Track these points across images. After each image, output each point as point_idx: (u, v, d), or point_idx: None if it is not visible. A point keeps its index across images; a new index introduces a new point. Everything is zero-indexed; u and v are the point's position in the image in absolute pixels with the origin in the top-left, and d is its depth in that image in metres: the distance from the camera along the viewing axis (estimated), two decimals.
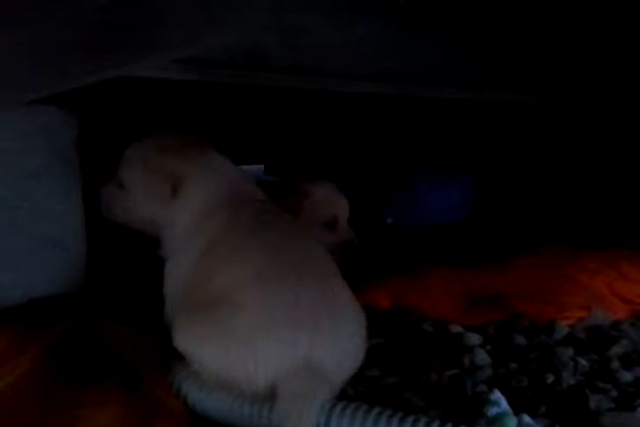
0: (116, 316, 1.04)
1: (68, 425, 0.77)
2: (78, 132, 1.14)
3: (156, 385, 0.88)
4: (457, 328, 1.39)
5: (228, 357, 0.87)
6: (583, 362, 1.23)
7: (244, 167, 1.90)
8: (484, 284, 1.58)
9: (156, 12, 0.59)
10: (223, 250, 1.02)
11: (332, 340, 0.91)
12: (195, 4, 0.57)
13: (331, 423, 0.79)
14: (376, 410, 0.79)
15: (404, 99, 1.62)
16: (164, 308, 1.06)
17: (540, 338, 1.35)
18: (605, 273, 1.67)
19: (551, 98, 1.71)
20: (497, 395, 1.03)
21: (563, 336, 1.37)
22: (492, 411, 0.98)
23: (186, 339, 0.94)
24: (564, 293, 1.55)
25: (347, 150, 2.24)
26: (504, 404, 1.01)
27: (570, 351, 1.28)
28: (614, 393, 1.11)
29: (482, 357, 1.25)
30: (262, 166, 2.46)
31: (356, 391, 1.07)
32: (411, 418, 0.78)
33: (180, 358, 0.95)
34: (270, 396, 0.84)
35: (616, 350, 1.30)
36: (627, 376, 1.19)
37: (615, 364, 1.24)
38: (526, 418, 0.97)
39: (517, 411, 1.00)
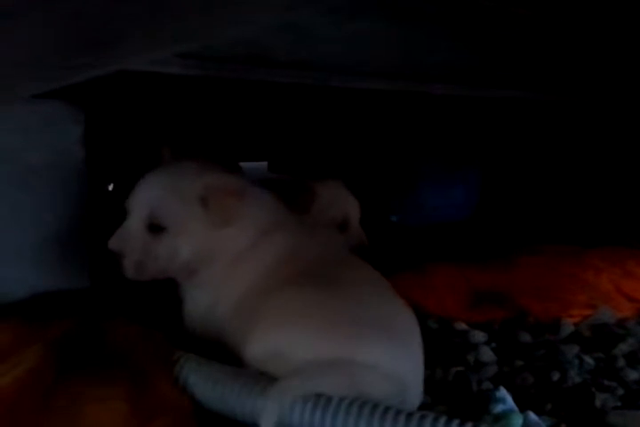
0: (120, 311, 1.04)
1: (72, 421, 0.77)
2: (84, 127, 1.13)
3: (160, 381, 0.87)
4: (462, 326, 1.38)
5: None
6: (589, 360, 1.23)
7: (248, 164, 1.90)
8: (489, 281, 1.58)
9: (160, 6, 0.58)
10: (285, 272, 1.00)
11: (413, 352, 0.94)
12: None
13: (337, 421, 0.79)
14: (382, 407, 0.79)
15: (409, 96, 1.62)
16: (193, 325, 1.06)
17: (545, 336, 1.35)
18: (611, 271, 1.67)
19: (557, 95, 1.70)
20: (502, 392, 1.02)
21: (568, 334, 1.37)
22: (498, 408, 0.98)
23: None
24: (570, 291, 1.55)
25: (351, 148, 2.23)
26: (510, 401, 1.00)
27: (575, 349, 1.27)
28: (620, 391, 1.11)
29: (487, 354, 1.25)
30: (266, 163, 2.46)
31: None
32: (417, 415, 0.78)
33: (184, 352, 0.95)
34: None
35: (622, 348, 1.30)
36: (632, 374, 1.18)
37: (621, 362, 1.23)
38: (532, 416, 0.97)
39: (523, 408, 0.99)
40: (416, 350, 0.95)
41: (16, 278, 1.07)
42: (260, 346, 0.92)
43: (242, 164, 1.63)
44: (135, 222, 1.02)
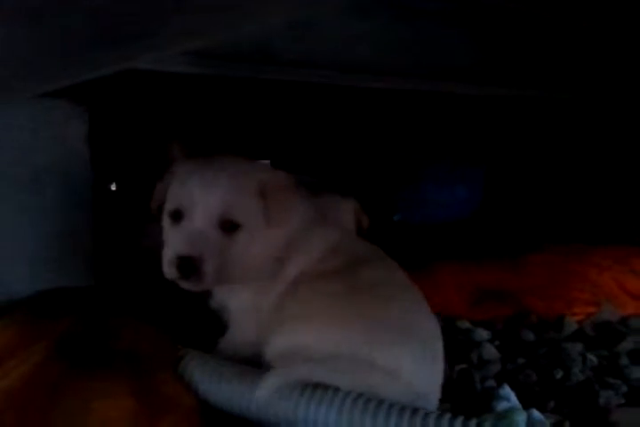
0: (125, 309, 1.04)
1: (79, 417, 0.78)
2: (88, 126, 1.14)
3: (166, 378, 0.87)
4: (465, 324, 1.38)
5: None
6: (592, 358, 1.23)
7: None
8: (493, 280, 1.58)
9: (173, 4, 0.58)
10: (322, 269, 0.98)
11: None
12: None
13: (342, 416, 0.79)
14: (387, 403, 0.79)
15: (413, 95, 1.62)
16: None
17: (548, 334, 1.35)
18: (614, 269, 1.67)
19: (561, 93, 1.70)
20: (506, 390, 1.03)
21: (571, 332, 1.37)
22: (502, 406, 0.98)
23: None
24: (573, 289, 1.55)
25: (355, 147, 2.23)
26: (513, 399, 1.01)
27: (579, 347, 1.28)
28: (624, 389, 1.11)
29: (490, 352, 1.25)
30: (268, 162, 2.46)
31: None
32: (422, 411, 0.78)
33: (189, 349, 0.96)
34: None
35: (625, 345, 1.30)
36: (636, 372, 1.18)
37: (624, 360, 1.23)
38: (536, 413, 0.96)
39: (526, 406, 0.99)
40: (437, 360, 0.93)
41: (22, 276, 1.08)
42: (283, 341, 0.90)
43: None
44: (205, 223, 0.92)
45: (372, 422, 0.78)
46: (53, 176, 1.10)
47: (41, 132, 1.08)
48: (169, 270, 0.93)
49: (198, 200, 0.93)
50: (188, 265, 0.90)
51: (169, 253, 0.93)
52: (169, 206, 0.97)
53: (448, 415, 0.78)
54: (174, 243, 0.93)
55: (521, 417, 0.94)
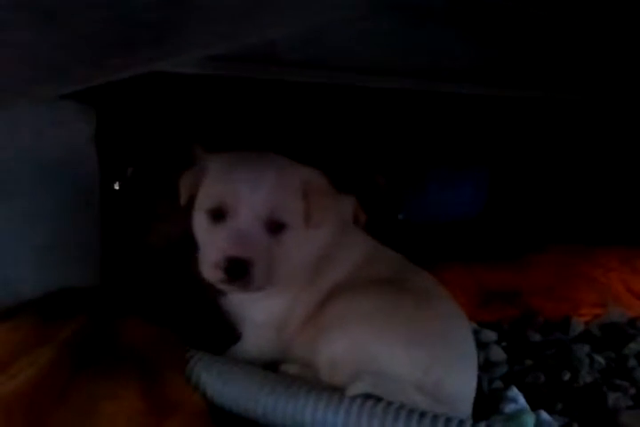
0: (133, 309, 1.04)
1: (87, 418, 0.78)
2: (95, 126, 1.13)
3: (173, 379, 0.87)
4: (472, 325, 1.38)
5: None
6: (599, 359, 1.22)
7: None
8: (499, 281, 1.58)
9: (196, 10, 0.58)
10: (364, 275, 0.95)
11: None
12: (227, 3, 0.56)
13: (350, 419, 0.79)
14: (395, 405, 0.79)
15: (418, 95, 1.62)
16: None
17: (555, 335, 1.35)
18: (621, 270, 1.67)
19: (566, 94, 1.69)
20: (514, 392, 1.02)
21: (578, 333, 1.37)
22: (510, 407, 0.98)
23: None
24: (580, 290, 1.54)
25: (361, 146, 2.23)
26: (521, 400, 1.00)
27: (586, 348, 1.27)
28: (632, 391, 1.10)
29: (497, 353, 1.24)
30: None
31: None
32: (430, 415, 0.78)
33: (197, 350, 0.95)
34: None
35: (632, 347, 1.29)
36: None
37: (632, 361, 1.23)
38: (544, 415, 0.96)
39: (534, 408, 0.99)
40: (473, 371, 0.93)
41: (28, 277, 1.07)
42: (340, 347, 0.86)
43: None
44: (252, 223, 0.87)
45: (381, 425, 0.78)
46: (59, 176, 1.10)
47: (48, 133, 1.08)
48: (213, 273, 0.86)
49: (244, 198, 0.88)
50: (238, 267, 0.85)
51: (213, 255, 0.87)
52: (207, 204, 0.91)
53: (457, 419, 0.77)
54: (219, 243, 0.87)
55: (529, 419, 0.94)
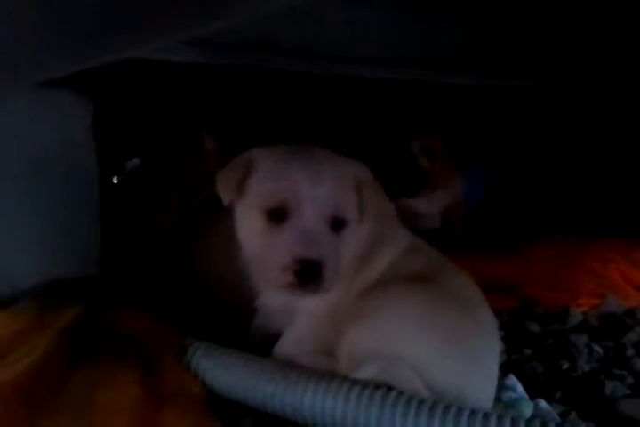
0: (131, 299, 1.04)
1: (86, 406, 0.77)
2: (92, 116, 1.13)
3: (172, 367, 0.87)
4: None
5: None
6: (598, 349, 1.23)
7: None
8: (498, 272, 1.58)
9: None
10: (403, 270, 0.93)
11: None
12: None
13: (349, 406, 0.79)
14: (406, 395, 0.78)
15: (414, 86, 1.61)
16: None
17: (553, 325, 1.35)
18: (619, 261, 1.67)
19: (563, 85, 1.69)
20: (512, 380, 1.02)
21: (577, 323, 1.37)
22: (508, 396, 0.98)
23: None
24: (578, 280, 1.55)
25: (356, 137, 2.22)
26: (520, 389, 1.01)
27: (584, 338, 1.27)
28: (630, 380, 1.11)
29: None
30: None
31: None
32: (429, 402, 0.77)
33: (195, 339, 0.95)
34: None
35: (630, 337, 1.29)
36: None
37: (630, 351, 1.23)
38: (542, 403, 0.97)
39: (533, 396, 1.00)
40: (493, 390, 0.90)
41: (26, 266, 1.07)
42: (371, 342, 0.84)
43: None
44: (318, 222, 0.85)
45: (380, 411, 0.78)
46: (56, 167, 1.09)
47: (45, 122, 1.07)
48: (281, 277, 0.82)
49: (307, 196, 0.85)
50: (311, 270, 0.82)
51: (279, 257, 0.83)
52: (264, 204, 0.87)
53: (455, 407, 0.77)
54: (285, 245, 0.83)
55: (528, 407, 0.94)
